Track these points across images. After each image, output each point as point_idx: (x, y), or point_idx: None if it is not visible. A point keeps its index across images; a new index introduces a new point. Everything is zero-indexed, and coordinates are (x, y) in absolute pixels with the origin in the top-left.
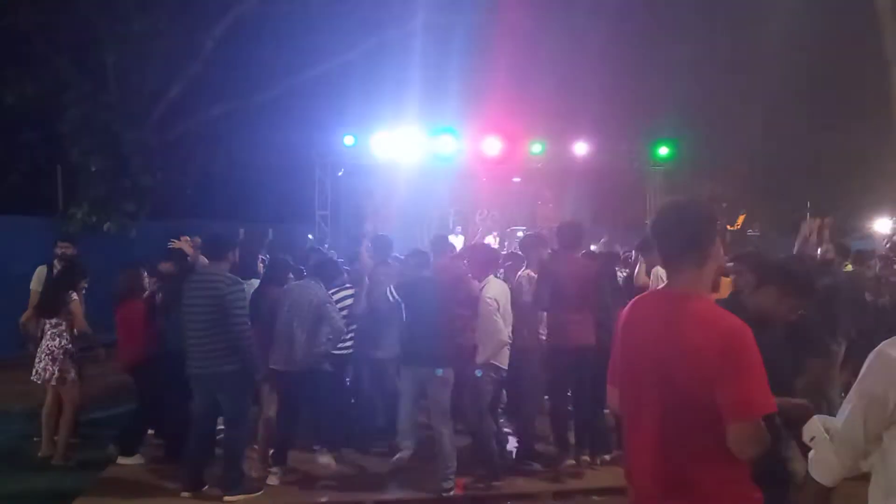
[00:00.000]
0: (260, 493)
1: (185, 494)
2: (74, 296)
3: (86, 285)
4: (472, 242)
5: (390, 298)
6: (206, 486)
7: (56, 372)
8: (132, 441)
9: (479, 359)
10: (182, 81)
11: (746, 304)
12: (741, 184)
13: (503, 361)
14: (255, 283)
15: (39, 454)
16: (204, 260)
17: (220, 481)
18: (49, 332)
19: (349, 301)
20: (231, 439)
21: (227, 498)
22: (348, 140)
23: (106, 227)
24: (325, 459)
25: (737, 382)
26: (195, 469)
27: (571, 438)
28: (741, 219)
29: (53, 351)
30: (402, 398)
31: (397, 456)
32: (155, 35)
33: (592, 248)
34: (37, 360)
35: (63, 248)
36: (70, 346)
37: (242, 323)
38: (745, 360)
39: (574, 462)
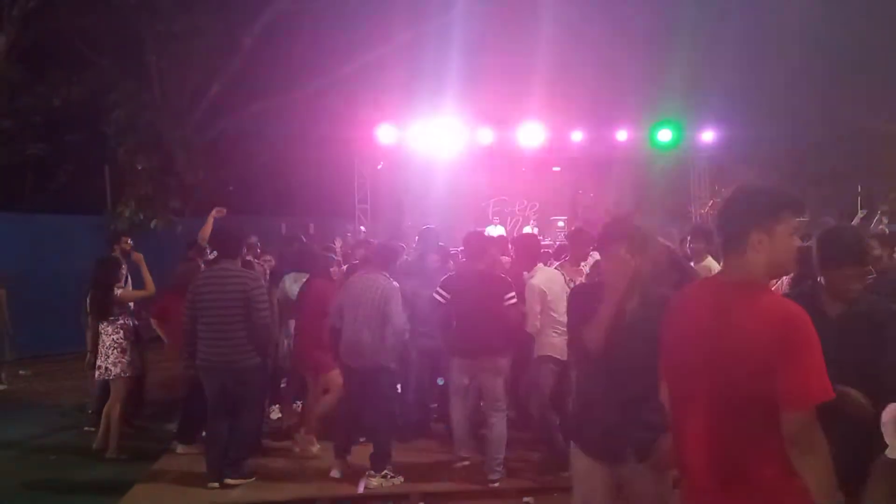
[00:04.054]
0: (253, 479)
1: (213, 485)
2: (118, 291)
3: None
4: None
5: (439, 299)
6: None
7: (110, 366)
8: (189, 430)
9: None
10: (222, 79)
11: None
12: (789, 169)
13: (561, 353)
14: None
15: (94, 446)
16: None
17: (227, 464)
18: (108, 328)
19: None
20: (244, 428)
21: (227, 480)
22: (386, 133)
23: (153, 224)
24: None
25: (793, 369)
26: (218, 459)
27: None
28: None
29: (112, 345)
30: (453, 395)
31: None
32: (195, 34)
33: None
34: (100, 357)
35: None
36: (123, 340)
37: (267, 317)
38: (801, 345)
39: None
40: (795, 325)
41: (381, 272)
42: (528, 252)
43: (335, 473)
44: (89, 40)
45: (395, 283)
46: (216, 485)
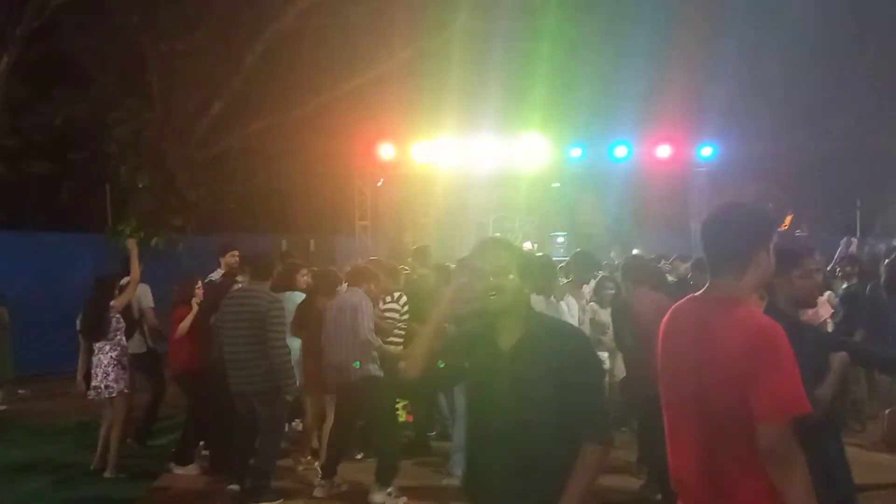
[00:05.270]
0: (280, 500)
1: (234, 487)
2: (113, 303)
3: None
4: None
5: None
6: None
7: (111, 384)
8: (186, 450)
9: None
10: (224, 97)
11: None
12: (789, 183)
13: None
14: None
15: (92, 466)
16: None
17: (247, 490)
18: (105, 347)
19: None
20: (264, 449)
21: None
22: (386, 150)
23: (154, 242)
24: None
25: (765, 382)
26: (242, 464)
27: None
28: (788, 219)
29: (111, 363)
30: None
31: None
32: (197, 52)
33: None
34: (93, 376)
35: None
36: (123, 357)
37: (279, 340)
38: (773, 358)
39: None
40: (767, 337)
41: (353, 289)
42: None
43: (319, 493)
44: (92, 59)
45: (366, 298)
46: (236, 487)
